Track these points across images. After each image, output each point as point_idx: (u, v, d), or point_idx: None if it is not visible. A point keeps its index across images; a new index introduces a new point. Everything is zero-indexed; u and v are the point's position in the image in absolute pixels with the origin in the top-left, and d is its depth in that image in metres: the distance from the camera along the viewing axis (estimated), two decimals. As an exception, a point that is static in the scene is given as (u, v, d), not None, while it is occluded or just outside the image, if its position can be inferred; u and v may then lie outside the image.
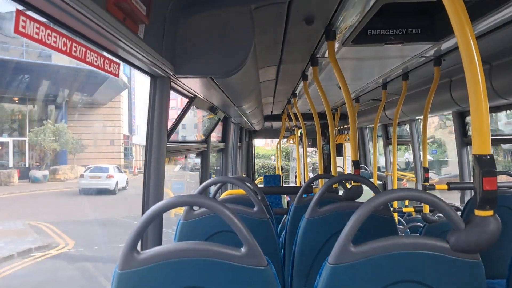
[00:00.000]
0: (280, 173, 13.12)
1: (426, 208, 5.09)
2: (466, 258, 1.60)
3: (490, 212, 1.56)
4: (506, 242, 2.86)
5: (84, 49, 1.71)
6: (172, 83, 2.81)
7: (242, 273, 1.63)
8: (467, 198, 5.91)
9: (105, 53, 1.95)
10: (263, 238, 2.85)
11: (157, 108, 2.71)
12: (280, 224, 5.45)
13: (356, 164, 3.79)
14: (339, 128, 11.91)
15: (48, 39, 1.48)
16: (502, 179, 4.29)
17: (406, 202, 7.39)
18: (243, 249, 1.63)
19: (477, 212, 1.57)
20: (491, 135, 1.59)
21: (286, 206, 10.13)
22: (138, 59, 2.15)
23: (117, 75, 2.10)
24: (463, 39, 1.56)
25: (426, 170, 4.99)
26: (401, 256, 1.62)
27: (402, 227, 6.19)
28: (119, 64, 2.09)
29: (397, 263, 1.63)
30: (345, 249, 1.63)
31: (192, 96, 3.53)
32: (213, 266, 1.63)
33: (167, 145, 2.88)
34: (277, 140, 14.24)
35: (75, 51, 1.65)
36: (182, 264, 1.62)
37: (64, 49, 1.57)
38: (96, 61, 1.84)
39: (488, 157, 1.55)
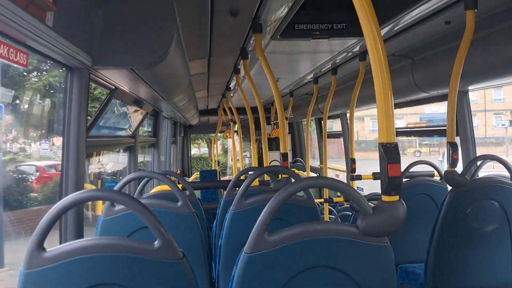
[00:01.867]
0: (217, 168, 13.07)
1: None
2: (375, 242, 1.64)
3: (396, 197, 1.62)
4: (425, 227, 2.99)
5: (-19, 37, 1.60)
6: (91, 75, 2.71)
7: (156, 267, 1.59)
8: None
9: (10, 42, 1.84)
10: (188, 233, 2.81)
11: (74, 100, 2.60)
12: (216, 219, 5.43)
13: (284, 156, 3.83)
14: (275, 122, 12.02)
15: None
16: (422, 168, 4.48)
17: (339, 193, 7.57)
18: (156, 243, 1.59)
19: (384, 198, 1.63)
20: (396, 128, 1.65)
21: None
22: (48, 48, 2.04)
23: (26, 66, 1.99)
24: (370, 38, 1.62)
25: (353, 161, 5.13)
26: (314, 242, 1.65)
27: (333, 216, 6.34)
28: (27, 54, 1.99)
29: (311, 249, 1.65)
30: (260, 237, 1.63)
31: (113, 88, 3.41)
32: (125, 261, 1.57)
33: (88, 139, 2.78)
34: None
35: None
36: (92, 261, 1.56)
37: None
38: (-4, 50, 1.74)
39: (393, 145, 1.60)
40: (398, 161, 1.60)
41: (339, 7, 3.51)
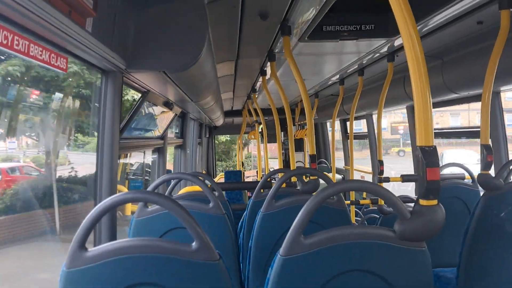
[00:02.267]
0: (242, 169, 13.11)
1: (381, 200, 5.19)
2: (412, 246, 1.64)
3: (434, 202, 1.61)
4: (456, 231, 2.96)
5: (27, 43, 1.65)
6: (124, 78, 2.76)
7: (193, 268, 1.62)
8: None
9: (51, 47, 1.90)
10: (219, 234, 2.84)
11: (108, 103, 2.66)
12: (241, 220, 5.46)
13: (313, 158, 3.83)
14: (299, 123, 12.00)
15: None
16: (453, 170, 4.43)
17: (364, 194, 7.52)
18: (193, 244, 1.62)
19: (422, 202, 1.62)
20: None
21: (247, 202, 10.11)
22: (87, 53, 2.10)
23: (65, 70, 2.05)
24: (407, 37, 1.61)
25: (380, 163, 5.09)
26: (350, 246, 1.65)
27: (359, 219, 6.30)
28: (67, 59, 2.04)
29: (347, 253, 1.65)
30: (296, 240, 1.64)
31: (145, 91, 3.47)
32: (163, 262, 1.61)
33: (120, 141, 2.83)
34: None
35: (17, 45, 1.59)
36: (131, 261, 1.60)
37: (5, 42, 1.51)
38: (41, 55, 1.79)
39: (432, 148, 1.60)
40: (437, 164, 1.59)
41: (367, 8, 3.50)
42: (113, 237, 2.69)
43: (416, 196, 4.28)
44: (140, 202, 2.76)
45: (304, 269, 1.66)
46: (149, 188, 2.85)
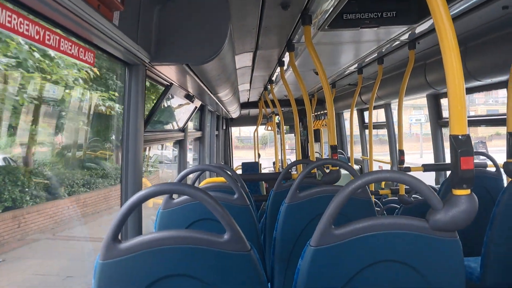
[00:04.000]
0: (259, 161, 13.13)
1: (402, 190, 5.16)
2: (445, 236, 1.63)
3: (468, 191, 1.59)
4: (480, 220, 2.93)
5: (58, 38, 1.67)
6: (147, 71, 2.78)
7: (226, 259, 1.63)
8: (441, 180, 6.03)
9: (79, 42, 1.91)
10: (244, 225, 2.85)
11: (133, 96, 2.67)
12: (259, 211, 5.48)
13: (334, 148, 3.82)
14: (315, 114, 11.96)
15: (20, 28, 1.44)
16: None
17: (382, 184, 7.48)
18: (225, 235, 1.63)
19: (455, 191, 1.60)
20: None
21: (264, 193, 10.17)
22: (113, 47, 2.11)
23: (92, 64, 2.07)
24: (440, 20, 1.57)
25: (401, 153, 5.05)
26: (381, 236, 1.65)
27: (379, 209, 6.27)
28: (94, 53, 2.06)
29: (378, 243, 1.65)
30: (327, 231, 1.64)
31: (168, 84, 3.49)
32: (196, 253, 1.62)
33: (144, 134, 2.85)
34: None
35: (49, 40, 1.61)
36: (164, 252, 1.61)
37: (37, 37, 1.53)
38: (70, 50, 1.81)
39: (465, 137, 1.58)
40: (471, 153, 1.58)
41: None
42: (139, 229, 2.72)
43: (437, 186, 4.26)
44: (172, 194, 2.78)
45: (335, 260, 1.67)
46: (175, 180, 2.87)
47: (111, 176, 5.51)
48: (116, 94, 4.39)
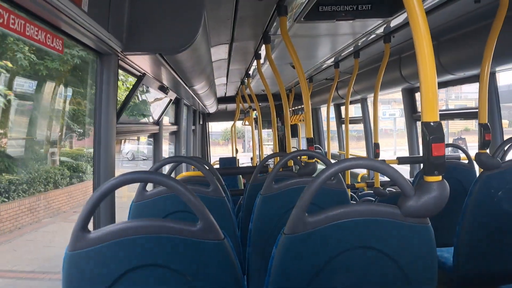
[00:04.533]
0: (236, 156, 13.10)
1: (377, 183, 5.21)
2: (416, 223, 1.63)
3: (439, 178, 1.59)
4: (453, 211, 2.97)
5: (23, 22, 1.61)
6: (120, 61, 2.72)
7: (199, 248, 1.61)
8: (415, 173, 6.09)
9: (47, 27, 1.85)
10: (219, 216, 2.83)
11: (104, 87, 2.61)
12: (237, 205, 5.46)
13: (310, 141, 3.82)
14: (293, 109, 11.98)
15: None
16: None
17: (358, 178, 7.55)
18: (198, 224, 1.61)
19: (426, 178, 1.60)
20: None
21: (242, 187, 10.16)
22: (83, 34, 2.05)
23: (61, 52, 2.01)
24: (413, 13, 1.57)
25: (377, 146, 5.09)
26: (354, 223, 1.64)
27: (354, 202, 6.32)
28: (62, 40, 2.00)
29: (351, 230, 1.65)
30: (300, 219, 1.63)
31: (141, 74, 3.43)
32: (168, 242, 1.59)
33: (117, 126, 2.80)
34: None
35: (13, 24, 1.55)
36: (136, 242, 1.58)
37: (0, 21, 1.47)
38: (37, 35, 1.75)
39: (436, 123, 1.58)
40: (442, 140, 1.57)
41: None
42: (112, 220, 2.67)
43: (411, 179, 4.30)
44: (143, 182, 2.73)
45: (309, 247, 1.66)
46: (150, 169, 2.83)
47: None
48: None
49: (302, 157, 4.50)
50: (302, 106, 11.10)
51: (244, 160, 15.40)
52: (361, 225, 1.64)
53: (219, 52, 5.19)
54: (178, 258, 1.61)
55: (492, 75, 4.05)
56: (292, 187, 2.86)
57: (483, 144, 2.85)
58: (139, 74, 3.41)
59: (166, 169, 4.20)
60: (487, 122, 2.91)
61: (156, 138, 4.86)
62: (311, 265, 1.66)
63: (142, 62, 3.08)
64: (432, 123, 1.58)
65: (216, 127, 32.30)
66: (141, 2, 2.50)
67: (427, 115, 1.59)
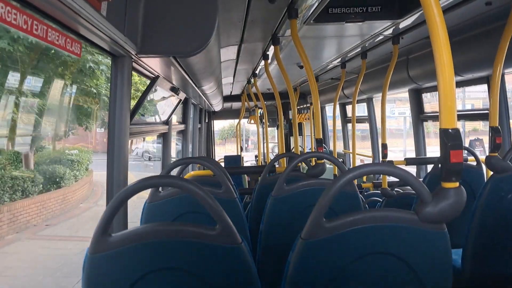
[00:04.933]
0: (241, 154, 13.13)
1: (384, 183, 5.22)
2: (434, 228, 1.65)
3: (456, 184, 1.61)
4: (462, 213, 2.98)
5: (45, 28, 1.64)
6: (133, 64, 2.75)
7: (217, 252, 1.63)
8: (422, 173, 6.11)
9: (66, 32, 1.88)
10: (232, 218, 2.85)
11: (119, 88, 2.64)
12: (242, 204, 5.49)
13: (319, 142, 3.84)
14: (298, 108, 11.99)
15: (8, 17, 1.41)
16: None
17: (364, 178, 7.56)
18: (217, 228, 1.63)
19: (444, 184, 1.62)
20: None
21: (246, 186, 10.18)
22: (101, 38, 2.08)
23: (79, 55, 2.04)
24: (431, 13, 1.57)
25: (385, 147, 5.10)
26: (371, 229, 1.66)
27: (361, 202, 6.31)
28: (81, 44, 2.03)
29: (368, 236, 1.67)
30: (318, 224, 1.65)
31: (155, 76, 3.46)
32: (187, 246, 1.62)
33: (130, 126, 2.82)
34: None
35: (36, 30, 1.58)
36: (155, 245, 1.61)
37: (25, 27, 1.50)
38: (57, 40, 1.78)
39: (455, 130, 1.60)
40: (460, 147, 1.59)
41: None
42: (125, 223, 2.70)
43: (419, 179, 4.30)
44: (162, 186, 2.76)
45: (326, 252, 1.68)
46: (162, 173, 2.86)
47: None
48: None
49: None
50: (307, 105, 11.18)
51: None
52: (378, 231, 1.66)
53: (228, 53, 5.22)
54: (196, 261, 1.63)
55: (502, 77, 4.06)
56: (304, 189, 2.88)
57: (493, 147, 2.86)
58: (152, 76, 3.44)
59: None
60: (497, 125, 2.92)
61: (165, 138, 4.89)
62: (329, 270, 1.68)
63: (155, 64, 3.11)
64: (450, 130, 1.59)
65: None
66: (156, 6, 2.53)
67: (445, 122, 1.60)
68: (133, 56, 2.63)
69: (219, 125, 31.75)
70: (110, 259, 1.58)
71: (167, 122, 4.89)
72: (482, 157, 3.52)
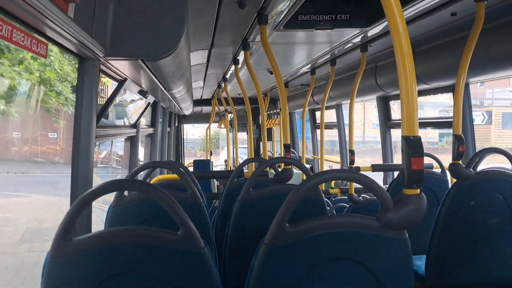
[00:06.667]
0: (210, 158, 13.08)
1: (351, 189, 5.29)
2: (395, 235, 1.68)
3: (417, 191, 1.65)
4: (426, 220, 3.04)
5: (10, 28, 1.61)
6: (101, 66, 2.71)
7: (180, 257, 1.62)
8: (389, 180, 6.21)
9: (32, 33, 1.85)
10: (197, 222, 2.84)
11: (85, 91, 2.61)
12: (210, 209, 5.47)
13: (287, 147, 3.86)
14: (268, 113, 12.03)
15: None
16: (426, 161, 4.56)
17: (332, 184, 7.62)
18: (179, 232, 1.63)
19: (405, 191, 1.65)
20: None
21: (215, 191, 10.14)
22: (67, 39, 2.05)
23: (45, 56, 2.01)
24: (394, 23, 1.61)
25: (352, 153, 5.17)
26: (334, 235, 1.68)
27: (328, 208, 6.37)
28: (47, 45, 2.00)
29: (330, 241, 1.69)
30: (281, 229, 1.66)
31: (122, 79, 3.43)
32: (149, 250, 1.60)
33: (96, 129, 2.79)
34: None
35: (1, 30, 1.55)
36: (117, 249, 1.59)
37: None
38: (23, 41, 1.75)
39: (416, 138, 1.63)
40: (421, 154, 1.63)
41: None
42: (88, 226, 2.66)
43: (385, 186, 4.38)
44: (125, 190, 2.73)
45: (288, 257, 1.69)
46: (127, 176, 2.83)
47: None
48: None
49: None
50: (277, 110, 11.25)
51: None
52: (340, 237, 1.68)
53: (198, 57, 5.21)
54: (158, 266, 1.62)
55: (466, 86, 4.17)
56: (270, 194, 2.89)
57: (457, 155, 2.93)
58: (120, 78, 3.40)
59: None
60: (461, 133, 3.00)
61: (133, 141, 4.84)
62: (291, 275, 1.69)
63: (123, 67, 3.08)
64: (412, 138, 1.63)
65: (193, 134, 28.75)
66: (125, 9, 2.50)
67: (407, 130, 1.64)
68: (100, 59, 2.60)
69: (200, 132, 28.35)
70: (70, 263, 1.55)
71: (135, 126, 4.84)
72: (446, 165, 3.60)
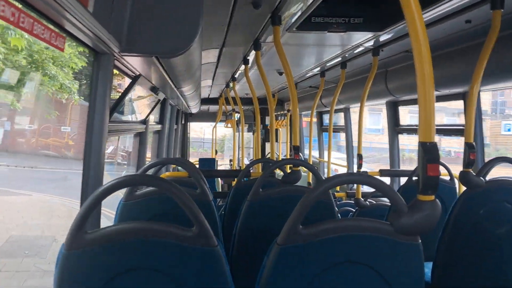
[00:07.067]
0: (216, 157, 13.11)
1: (358, 193, 5.28)
2: (408, 240, 1.68)
3: (432, 197, 1.65)
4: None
5: (32, 21, 1.62)
6: (115, 61, 2.73)
7: (193, 254, 1.63)
8: (395, 185, 6.19)
9: (51, 26, 1.86)
10: (206, 220, 2.85)
11: (100, 86, 2.61)
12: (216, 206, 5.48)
13: (296, 149, 3.87)
14: (275, 114, 12.02)
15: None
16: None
17: (338, 188, 7.62)
18: (193, 230, 1.63)
19: (420, 197, 1.65)
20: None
21: (219, 190, 10.16)
22: (85, 34, 2.06)
23: (63, 49, 2.02)
24: (414, 28, 1.61)
25: (360, 157, 5.16)
26: (347, 238, 1.69)
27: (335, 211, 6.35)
28: (65, 38, 2.01)
29: (343, 245, 1.69)
30: (294, 230, 1.67)
31: (136, 75, 3.44)
32: (163, 246, 1.61)
33: (109, 124, 2.80)
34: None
35: (23, 22, 1.56)
36: (132, 244, 1.60)
37: (12, 19, 1.48)
38: (43, 34, 1.76)
39: (432, 144, 1.63)
40: (437, 160, 1.63)
41: (357, 1, 3.54)
42: (98, 221, 2.67)
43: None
44: (143, 185, 2.74)
45: (301, 259, 1.69)
46: (139, 172, 2.83)
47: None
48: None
49: None
50: (283, 112, 11.25)
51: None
52: (353, 240, 1.69)
53: (209, 56, 5.22)
54: (171, 262, 1.63)
55: (478, 94, 4.15)
56: (279, 195, 2.90)
57: (467, 163, 2.92)
58: (133, 75, 3.41)
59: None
60: (472, 141, 2.99)
61: (142, 138, 4.85)
62: (303, 277, 1.70)
63: (136, 63, 3.09)
64: (428, 144, 1.63)
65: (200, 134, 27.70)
66: (143, 5, 2.52)
67: (424, 136, 1.64)
68: (115, 54, 2.61)
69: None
70: (85, 256, 1.56)
71: (144, 122, 4.86)
72: (455, 173, 3.60)
